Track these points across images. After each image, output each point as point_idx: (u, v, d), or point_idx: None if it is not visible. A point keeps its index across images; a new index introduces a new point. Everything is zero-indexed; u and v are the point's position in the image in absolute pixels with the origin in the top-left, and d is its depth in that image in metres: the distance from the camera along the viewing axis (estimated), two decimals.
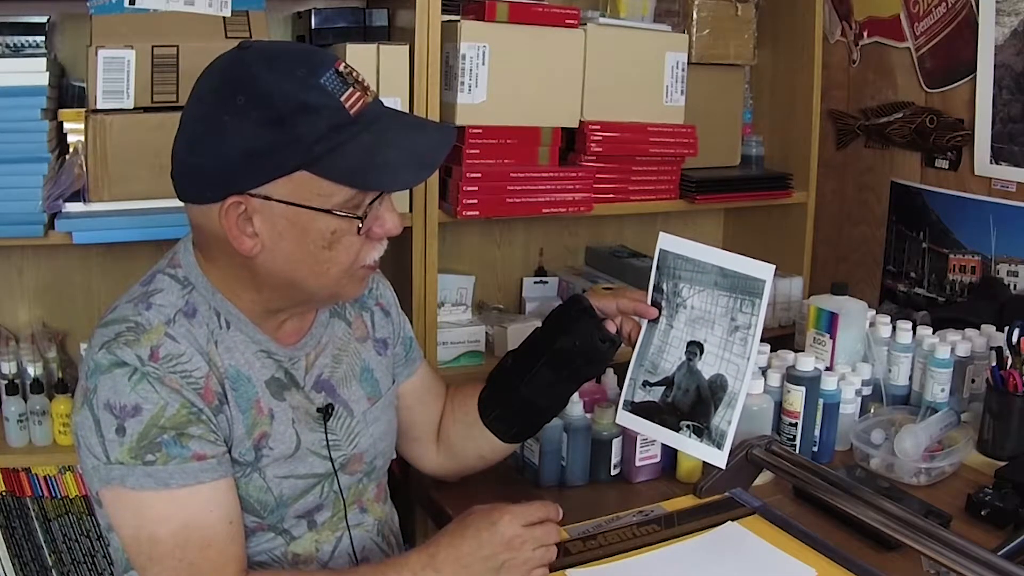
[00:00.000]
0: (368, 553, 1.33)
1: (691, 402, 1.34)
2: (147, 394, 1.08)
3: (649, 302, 1.38)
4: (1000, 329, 1.80)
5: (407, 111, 1.78)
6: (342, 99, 1.08)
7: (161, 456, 1.08)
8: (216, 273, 1.18)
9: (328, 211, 1.10)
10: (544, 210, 1.93)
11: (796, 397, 1.61)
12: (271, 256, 1.13)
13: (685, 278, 1.35)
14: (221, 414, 1.15)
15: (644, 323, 1.39)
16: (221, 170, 1.08)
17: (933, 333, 1.82)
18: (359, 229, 1.13)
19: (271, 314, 1.22)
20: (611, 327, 1.37)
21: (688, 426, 1.34)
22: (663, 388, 1.37)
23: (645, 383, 1.38)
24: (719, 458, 1.32)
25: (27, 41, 1.76)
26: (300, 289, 1.17)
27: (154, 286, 1.18)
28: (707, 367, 1.33)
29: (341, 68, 1.10)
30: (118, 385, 1.08)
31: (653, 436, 1.44)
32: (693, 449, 1.35)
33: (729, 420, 1.30)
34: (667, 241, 1.37)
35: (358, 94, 1.10)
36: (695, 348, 1.34)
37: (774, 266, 1.29)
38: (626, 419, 1.41)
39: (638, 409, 1.39)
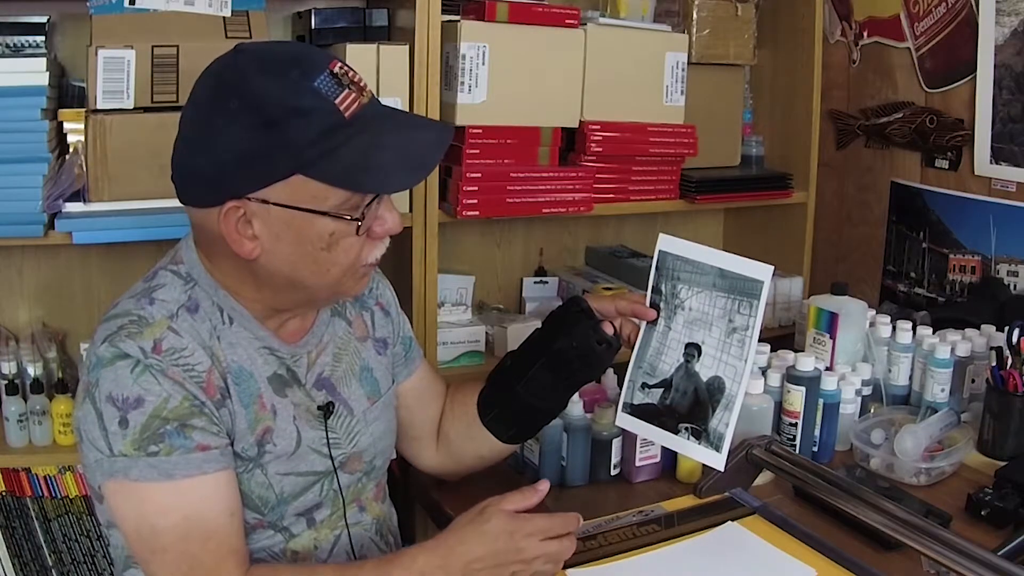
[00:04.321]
0: (366, 552, 1.33)
1: (689, 404, 1.34)
2: (149, 386, 1.09)
3: (648, 304, 1.38)
4: (1000, 329, 1.80)
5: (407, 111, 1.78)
6: (336, 101, 1.07)
7: (164, 447, 1.08)
8: (218, 272, 1.19)
9: (325, 213, 1.10)
10: (544, 210, 1.93)
11: (796, 397, 1.61)
12: (271, 258, 1.13)
13: (684, 279, 1.34)
14: (223, 408, 1.15)
15: (643, 325, 1.39)
16: (217, 175, 1.08)
17: (933, 333, 1.82)
18: (358, 230, 1.13)
19: (274, 312, 1.22)
20: (609, 329, 1.36)
21: (686, 428, 1.34)
22: (661, 390, 1.37)
23: (644, 385, 1.38)
24: (717, 460, 1.32)
25: (27, 41, 1.76)
26: (301, 289, 1.17)
27: (157, 281, 1.18)
28: (705, 369, 1.33)
29: (336, 69, 1.09)
30: (120, 377, 1.09)
31: (652, 438, 1.44)
32: (691, 451, 1.35)
33: (727, 423, 1.30)
34: (666, 242, 1.36)
35: (353, 95, 1.09)
36: (693, 350, 1.34)
37: (772, 267, 1.29)
38: (625, 421, 1.41)
39: (637, 411, 1.39)
